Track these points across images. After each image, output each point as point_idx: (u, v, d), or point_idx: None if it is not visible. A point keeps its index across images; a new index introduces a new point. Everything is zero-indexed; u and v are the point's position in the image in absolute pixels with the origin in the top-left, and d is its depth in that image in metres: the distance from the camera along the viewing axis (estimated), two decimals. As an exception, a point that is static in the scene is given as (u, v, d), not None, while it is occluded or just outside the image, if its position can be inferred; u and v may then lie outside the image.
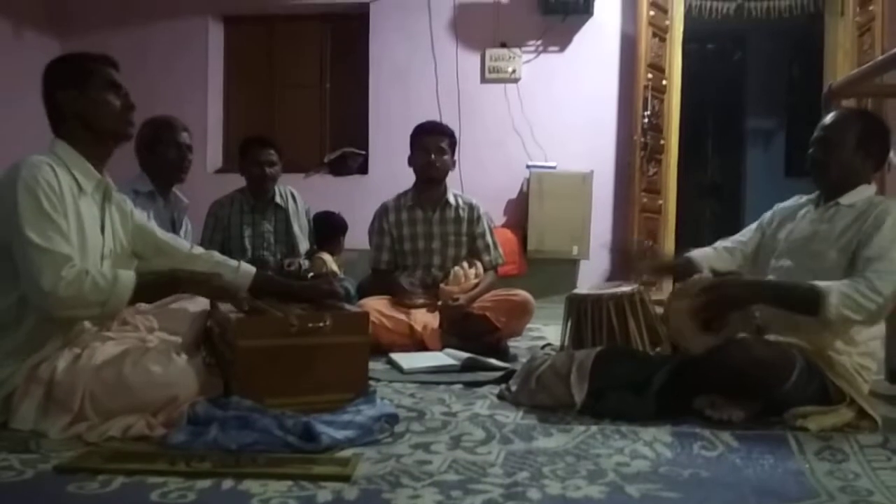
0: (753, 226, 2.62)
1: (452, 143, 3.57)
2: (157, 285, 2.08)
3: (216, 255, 2.48)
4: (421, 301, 3.36)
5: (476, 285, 3.40)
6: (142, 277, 2.00)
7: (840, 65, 4.75)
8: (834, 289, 2.07)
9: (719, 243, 2.66)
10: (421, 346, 3.17)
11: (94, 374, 1.90)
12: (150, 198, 3.13)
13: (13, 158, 1.96)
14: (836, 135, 2.31)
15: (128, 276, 1.96)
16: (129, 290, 1.93)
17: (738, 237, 2.64)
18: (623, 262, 2.78)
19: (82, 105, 2.05)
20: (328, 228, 4.32)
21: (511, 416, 2.16)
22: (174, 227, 3.18)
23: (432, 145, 3.48)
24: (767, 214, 2.59)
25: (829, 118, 2.38)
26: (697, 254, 2.64)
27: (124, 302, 1.95)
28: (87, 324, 2.06)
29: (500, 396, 2.40)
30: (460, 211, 3.57)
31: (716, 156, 8.06)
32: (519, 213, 5.49)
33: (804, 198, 2.50)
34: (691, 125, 6.33)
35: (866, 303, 2.07)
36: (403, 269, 3.53)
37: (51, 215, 1.89)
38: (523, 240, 5.31)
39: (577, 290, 2.73)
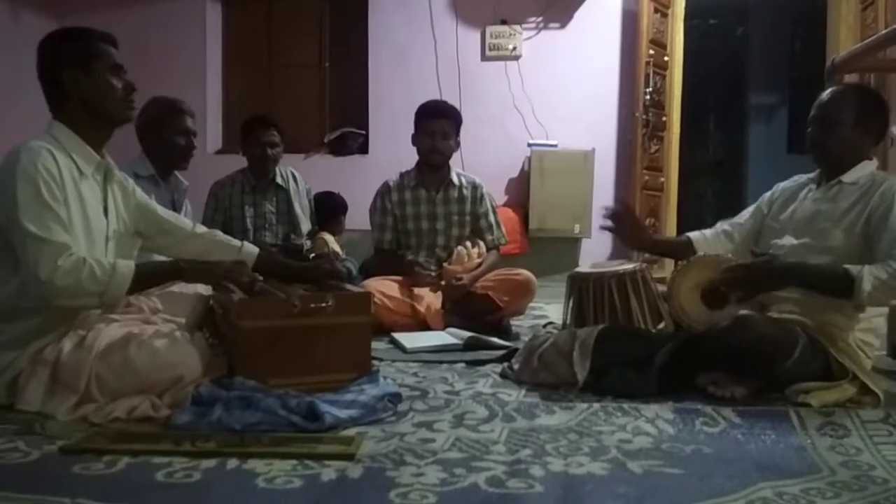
0: (752, 208, 2.60)
1: (457, 126, 3.51)
2: (157, 274, 2.08)
3: (219, 234, 2.48)
4: (432, 277, 3.30)
5: (479, 265, 3.40)
6: (141, 267, 1.99)
7: (843, 39, 4.70)
8: (866, 273, 2.05)
9: (719, 225, 2.64)
10: (423, 325, 3.17)
11: (99, 355, 1.90)
12: (152, 182, 3.08)
13: (12, 143, 1.94)
14: (834, 113, 2.28)
15: (127, 266, 1.95)
16: (128, 280, 1.93)
17: (736, 220, 2.62)
18: (626, 229, 2.73)
19: (87, 87, 2.00)
20: (328, 208, 4.33)
21: (514, 395, 2.17)
22: (174, 210, 3.15)
23: (437, 129, 3.42)
24: (767, 195, 2.57)
25: (825, 96, 2.35)
26: (696, 236, 2.63)
27: (123, 291, 1.94)
28: (90, 308, 2.06)
29: (503, 375, 2.41)
30: (464, 190, 3.55)
31: (718, 132, 8.02)
32: (520, 191, 5.48)
33: (804, 177, 2.48)
34: (693, 102, 6.28)
35: None
36: (407, 249, 3.50)
37: (49, 204, 1.86)
38: (525, 219, 5.29)
39: (578, 269, 2.73)
